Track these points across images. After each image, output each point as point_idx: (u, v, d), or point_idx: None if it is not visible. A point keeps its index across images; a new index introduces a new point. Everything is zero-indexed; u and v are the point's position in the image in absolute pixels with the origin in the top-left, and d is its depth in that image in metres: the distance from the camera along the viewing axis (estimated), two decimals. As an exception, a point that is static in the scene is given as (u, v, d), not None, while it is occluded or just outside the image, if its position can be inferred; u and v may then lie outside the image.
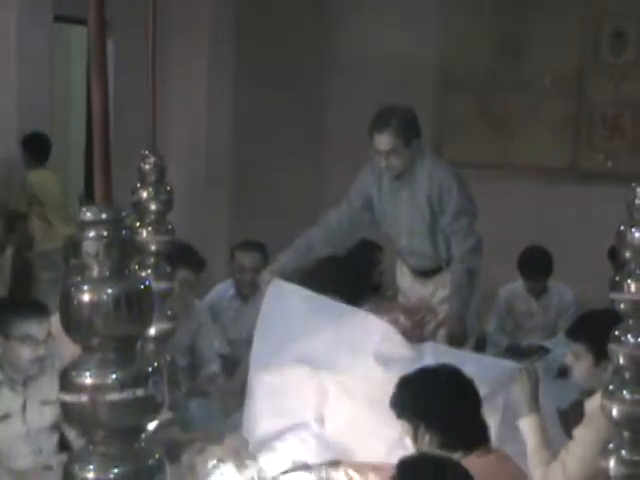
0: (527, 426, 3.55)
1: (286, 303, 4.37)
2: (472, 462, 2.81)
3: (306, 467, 3.86)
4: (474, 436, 3.06)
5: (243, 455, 4.16)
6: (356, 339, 4.12)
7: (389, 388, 3.86)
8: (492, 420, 3.75)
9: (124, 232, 1.77)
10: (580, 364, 3.67)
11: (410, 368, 3.89)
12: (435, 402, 3.06)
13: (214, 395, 5.00)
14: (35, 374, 3.97)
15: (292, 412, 4.09)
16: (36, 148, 6.93)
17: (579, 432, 3.50)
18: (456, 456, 2.94)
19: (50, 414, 3.94)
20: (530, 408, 3.58)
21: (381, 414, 3.81)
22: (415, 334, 4.26)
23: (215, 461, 3.87)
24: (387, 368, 3.93)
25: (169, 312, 4.29)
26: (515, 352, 5.66)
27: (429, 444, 2.98)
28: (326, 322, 4.22)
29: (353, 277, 5.37)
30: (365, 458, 3.66)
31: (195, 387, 5.03)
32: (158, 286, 4.14)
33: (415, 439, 3.02)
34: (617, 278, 3.16)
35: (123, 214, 1.79)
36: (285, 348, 4.23)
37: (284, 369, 4.17)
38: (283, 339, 4.27)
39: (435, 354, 3.94)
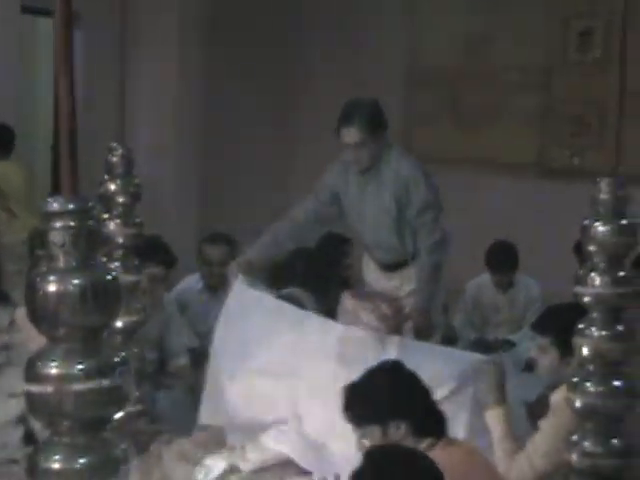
0: (493, 418, 3.58)
1: (246, 307, 4.39)
2: (439, 453, 2.82)
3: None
4: (440, 423, 3.08)
5: (211, 448, 4.17)
6: (315, 344, 4.14)
7: None
8: (462, 413, 3.78)
9: (91, 223, 1.78)
10: (545, 357, 3.70)
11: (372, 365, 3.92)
12: (400, 391, 3.07)
13: (182, 388, 5.00)
14: (0, 364, 3.95)
15: (268, 412, 4.11)
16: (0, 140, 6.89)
17: (544, 424, 3.54)
18: (424, 446, 2.95)
19: (16, 407, 3.92)
20: (496, 400, 3.60)
21: None
22: (396, 321, 4.26)
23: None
24: (352, 369, 3.95)
25: (137, 305, 4.31)
26: (482, 346, 5.70)
27: (404, 436, 2.97)
28: (284, 328, 4.24)
29: (322, 270, 5.38)
30: (344, 455, 3.64)
31: (163, 380, 5.02)
32: (126, 278, 4.16)
33: (385, 437, 3.00)
34: (581, 272, 3.20)
35: (90, 205, 1.79)
36: (247, 356, 4.25)
37: (251, 379, 4.19)
38: (244, 345, 4.29)
39: (401, 349, 3.95)
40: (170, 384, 5.02)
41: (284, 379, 4.11)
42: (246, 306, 4.38)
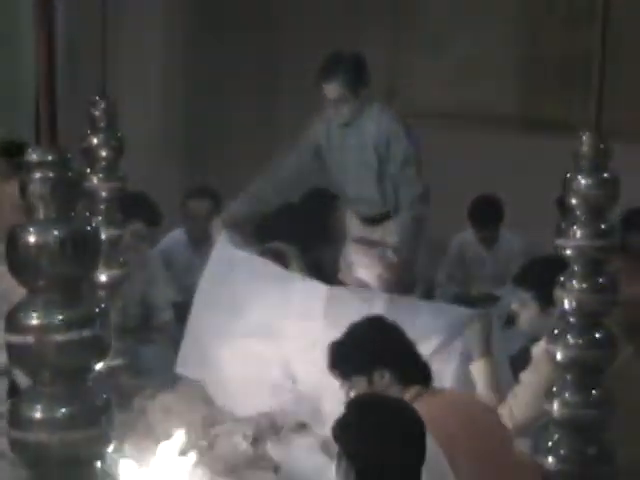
0: (478, 369, 3.61)
1: (231, 266, 4.39)
2: (422, 405, 2.83)
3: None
4: (425, 373, 3.13)
5: (196, 401, 4.19)
6: (302, 305, 4.15)
7: None
8: (450, 366, 3.80)
9: (70, 174, 1.77)
10: (526, 311, 3.72)
11: None
12: (388, 341, 3.14)
13: (166, 342, 5.01)
14: None
15: (262, 372, 4.12)
16: None
17: (525, 376, 3.57)
18: (409, 395, 2.98)
19: None
20: (482, 353, 3.63)
21: None
22: (400, 269, 4.29)
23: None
24: (340, 327, 3.96)
25: (120, 259, 4.31)
26: (465, 301, 5.71)
27: (388, 384, 3.03)
28: (271, 288, 4.24)
29: (310, 224, 5.38)
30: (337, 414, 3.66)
31: (147, 335, 5.04)
32: (109, 233, 4.16)
33: (370, 385, 3.05)
34: (563, 225, 3.21)
35: (69, 155, 1.79)
36: (235, 317, 4.25)
37: (242, 341, 4.19)
38: (231, 305, 4.29)
39: (388, 305, 3.96)
40: (154, 339, 5.04)
41: (274, 340, 4.12)
42: (230, 264, 4.39)
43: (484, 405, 3.27)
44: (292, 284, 4.28)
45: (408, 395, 2.99)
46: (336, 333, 3.91)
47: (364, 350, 3.12)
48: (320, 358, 3.97)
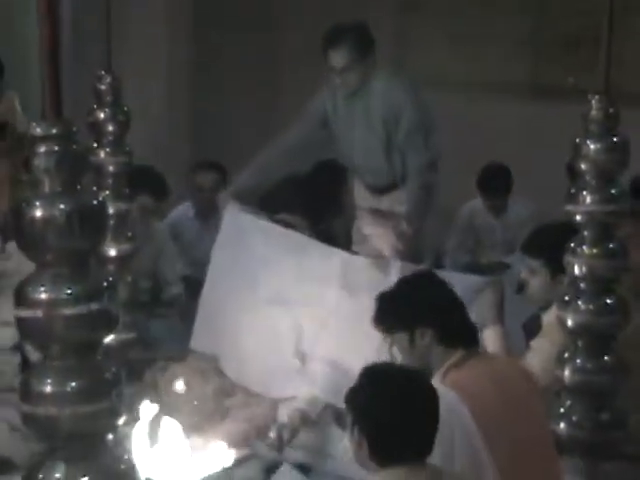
0: (490, 337, 3.60)
1: (243, 233, 4.36)
2: (455, 375, 2.80)
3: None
4: (471, 332, 3.00)
5: (208, 373, 4.19)
6: (319, 271, 4.12)
7: (359, 311, 3.89)
8: None
9: (75, 147, 1.76)
10: (536, 279, 3.69)
11: (376, 290, 3.91)
12: (431, 299, 3.00)
13: (176, 315, 5.02)
14: None
15: (272, 350, 4.10)
16: None
17: (536, 343, 3.56)
18: (453, 359, 2.88)
19: (10, 335, 3.95)
20: (493, 320, 3.62)
21: (356, 337, 3.85)
22: (413, 239, 4.26)
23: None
24: (354, 293, 3.94)
25: (129, 233, 4.31)
26: (475, 269, 5.70)
27: (429, 344, 2.91)
28: (287, 255, 4.20)
29: (318, 196, 5.36)
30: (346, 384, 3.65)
31: (157, 309, 5.04)
32: (116, 207, 4.16)
33: (412, 344, 2.93)
34: (573, 190, 3.20)
35: (74, 129, 1.78)
36: (256, 284, 4.23)
37: (261, 308, 4.17)
38: (250, 273, 4.26)
39: (402, 273, 3.92)
40: (164, 313, 5.05)
41: (290, 307, 4.11)
42: (243, 230, 4.35)
43: (526, 373, 3.09)
44: (310, 247, 4.24)
45: (452, 360, 2.88)
46: (351, 299, 3.92)
47: (407, 305, 3.00)
48: (335, 326, 3.97)
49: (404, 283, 3.14)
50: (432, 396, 2.45)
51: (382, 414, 2.39)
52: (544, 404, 3.05)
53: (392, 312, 3.01)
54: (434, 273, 3.24)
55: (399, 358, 2.95)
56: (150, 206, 5.02)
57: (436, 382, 2.76)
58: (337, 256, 4.11)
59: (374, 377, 2.51)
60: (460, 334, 2.95)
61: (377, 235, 4.26)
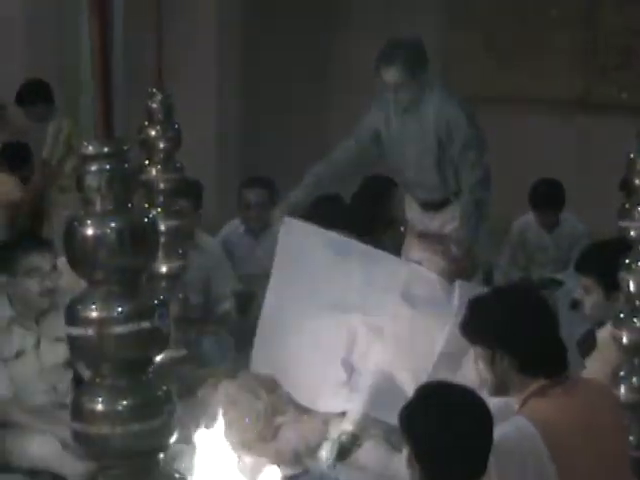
0: None
1: (304, 244, 4.35)
2: (535, 404, 2.68)
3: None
4: (555, 360, 2.77)
5: (259, 390, 4.19)
6: (385, 280, 4.09)
7: (417, 325, 3.86)
8: None
9: (126, 165, 1.77)
10: (591, 297, 3.63)
11: (439, 306, 3.88)
12: (513, 322, 2.75)
13: (227, 332, 5.01)
14: (46, 309, 4.00)
15: (322, 361, 4.08)
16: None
17: (590, 362, 3.51)
18: (532, 388, 2.71)
19: (63, 351, 3.98)
20: None
21: (410, 352, 3.82)
22: (465, 263, 4.22)
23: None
24: (415, 306, 3.92)
25: (180, 250, 4.32)
26: (529, 285, 5.65)
27: (508, 370, 2.72)
28: (352, 265, 4.19)
29: (368, 212, 5.33)
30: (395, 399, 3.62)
31: (208, 326, 5.03)
32: (167, 224, 4.17)
33: (492, 364, 2.75)
34: (627, 206, 3.16)
35: (125, 147, 1.78)
36: (317, 292, 4.21)
37: (320, 316, 4.16)
38: (307, 281, 4.25)
39: (463, 292, 3.88)
40: (215, 330, 5.04)
41: (350, 314, 4.07)
42: (303, 242, 4.34)
43: (615, 403, 2.91)
44: (377, 258, 4.21)
45: (531, 389, 2.71)
46: (412, 312, 3.86)
47: (487, 324, 2.78)
48: (390, 337, 3.92)
49: (495, 295, 2.94)
50: (487, 417, 2.41)
51: (435, 436, 2.36)
52: (625, 432, 2.91)
53: (475, 326, 2.82)
54: (533, 288, 3.11)
55: (482, 372, 2.79)
56: (186, 209, 4.91)
57: (513, 408, 2.71)
58: (405, 267, 4.08)
59: (426, 394, 2.48)
60: (542, 363, 2.74)
61: (426, 260, 4.21)
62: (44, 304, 3.99)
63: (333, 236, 4.35)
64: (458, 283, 3.97)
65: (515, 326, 2.74)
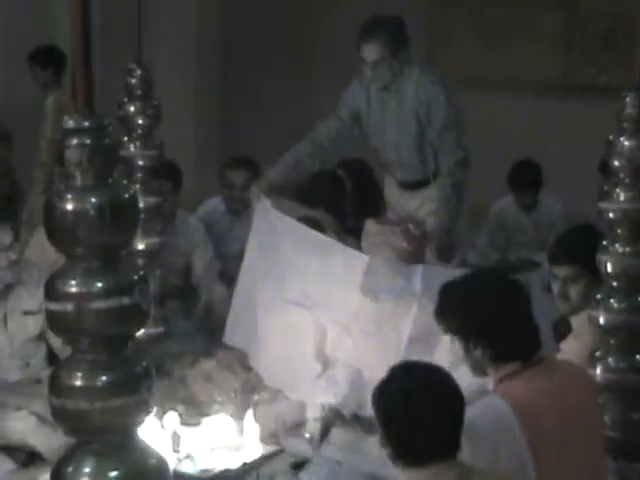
0: None
1: (272, 229, 4.32)
2: (506, 386, 2.69)
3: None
4: (528, 344, 2.77)
5: (235, 368, 4.19)
6: (342, 275, 4.05)
7: (382, 317, 3.86)
8: None
9: (107, 140, 1.75)
10: (577, 286, 3.46)
11: (400, 293, 3.86)
12: (483, 311, 2.74)
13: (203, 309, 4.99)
14: (12, 282, 3.98)
15: (297, 352, 4.08)
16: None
17: (565, 346, 3.52)
18: (501, 373, 2.72)
19: (33, 325, 3.96)
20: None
21: (380, 344, 3.82)
22: (423, 243, 4.19)
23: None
24: (377, 298, 3.90)
25: (158, 227, 4.31)
26: (505, 267, 5.67)
27: (482, 357, 2.72)
28: (312, 257, 4.16)
29: (341, 195, 5.30)
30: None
31: (188, 304, 4.99)
32: (146, 201, 4.15)
33: (466, 351, 2.76)
34: (606, 187, 3.17)
35: (106, 122, 1.77)
36: (283, 285, 4.20)
37: (286, 309, 4.15)
38: (279, 273, 4.23)
39: (425, 276, 3.86)
40: (194, 310, 5.01)
41: (314, 309, 4.09)
42: (273, 227, 4.33)
43: (588, 384, 2.91)
44: (333, 253, 4.20)
45: (505, 371, 2.72)
46: (374, 307, 3.87)
47: (460, 315, 2.77)
48: (357, 332, 3.93)
49: (464, 283, 2.89)
50: (456, 396, 2.42)
51: (404, 414, 2.37)
52: (599, 412, 2.91)
53: (446, 315, 2.82)
54: (502, 274, 3.10)
55: (459, 354, 2.80)
56: (169, 190, 4.87)
57: (489, 390, 2.72)
58: (360, 260, 4.02)
59: (397, 375, 2.48)
60: (516, 347, 2.74)
61: (383, 243, 4.14)
62: (10, 276, 3.95)
63: (297, 227, 4.28)
64: (422, 267, 3.92)
65: (485, 315, 2.73)
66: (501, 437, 2.58)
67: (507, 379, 2.71)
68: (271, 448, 3.62)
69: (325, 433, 3.61)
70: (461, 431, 2.39)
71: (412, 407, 2.37)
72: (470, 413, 2.44)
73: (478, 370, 2.77)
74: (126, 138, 4.22)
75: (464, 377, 2.69)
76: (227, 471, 3.44)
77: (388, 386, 2.45)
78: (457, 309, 2.78)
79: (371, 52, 4.46)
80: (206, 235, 5.24)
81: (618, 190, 3.14)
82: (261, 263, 4.35)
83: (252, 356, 4.24)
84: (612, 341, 3.17)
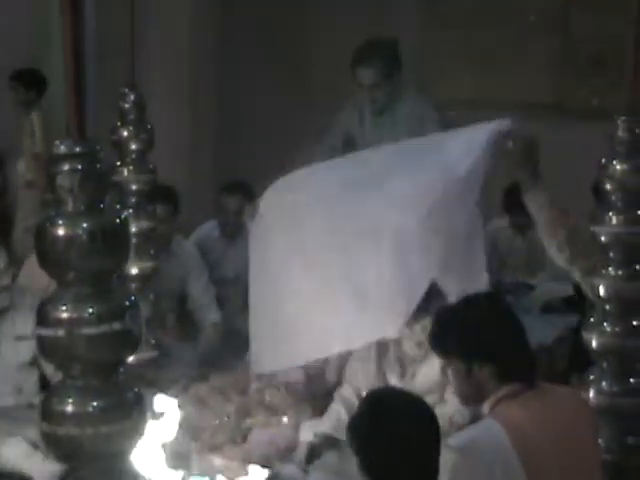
0: (532, 200, 3.47)
1: (274, 230, 4.20)
2: (504, 408, 2.65)
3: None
4: (528, 365, 2.77)
5: (229, 392, 4.18)
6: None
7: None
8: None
9: (99, 166, 1.76)
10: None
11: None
12: (494, 334, 2.75)
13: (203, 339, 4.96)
14: (5, 307, 3.96)
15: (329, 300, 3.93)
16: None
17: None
18: (502, 392, 2.70)
19: (26, 350, 3.94)
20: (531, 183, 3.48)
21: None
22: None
23: None
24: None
25: (151, 251, 4.30)
26: (498, 290, 5.65)
27: (487, 379, 2.71)
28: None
29: None
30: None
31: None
32: (139, 225, 4.14)
33: (468, 376, 2.74)
34: (598, 211, 3.18)
35: (97, 147, 1.77)
36: (273, 282, 4.13)
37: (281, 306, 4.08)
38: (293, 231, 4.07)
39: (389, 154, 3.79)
40: (191, 335, 4.98)
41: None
42: (267, 250, 4.27)
43: (584, 407, 2.91)
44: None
45: (503, 392, 2.70)
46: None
47: (467, 337, 2.75)
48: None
49: (466, 307, 2.88)
50: (433, 427, 2.40)
51: (381, 445, 2.36)
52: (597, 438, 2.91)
53: (452, 340, 2.79)
54: (497, 296, 3.10)
55: (454, 381, 2.81)
56: (164, 213, 4.86)
57: (485, 412, 2.70)
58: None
59: (376, 404, 2.46)
60: (518, 368, 2.75)
61: None
62: (1, 302, 3.94)
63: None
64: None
65: (497, 337, 2.74)
66: (497, 460, 2.56)
67: (503, 400, 2.69)
68: (265, 473, 3.60)
69: (311, 458, 3.59)
70: (437, 461, 2.37)
71: (388, 438, 2.36)
72: (467, 435, 2.43)
73: (476, 398, 2.75)
74: (119, 163, 4.22)
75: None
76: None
77: (360, 417, 2.44)
78: (460, 330, 2.77)
79: (367, 76, 4.48)
80: (201, 260, 5.23)
81: (611, 213, 3.14)
82: (273, 245, 4.13)
83: (281, 343, 3.94)
84: (604, 365, 3.17)
